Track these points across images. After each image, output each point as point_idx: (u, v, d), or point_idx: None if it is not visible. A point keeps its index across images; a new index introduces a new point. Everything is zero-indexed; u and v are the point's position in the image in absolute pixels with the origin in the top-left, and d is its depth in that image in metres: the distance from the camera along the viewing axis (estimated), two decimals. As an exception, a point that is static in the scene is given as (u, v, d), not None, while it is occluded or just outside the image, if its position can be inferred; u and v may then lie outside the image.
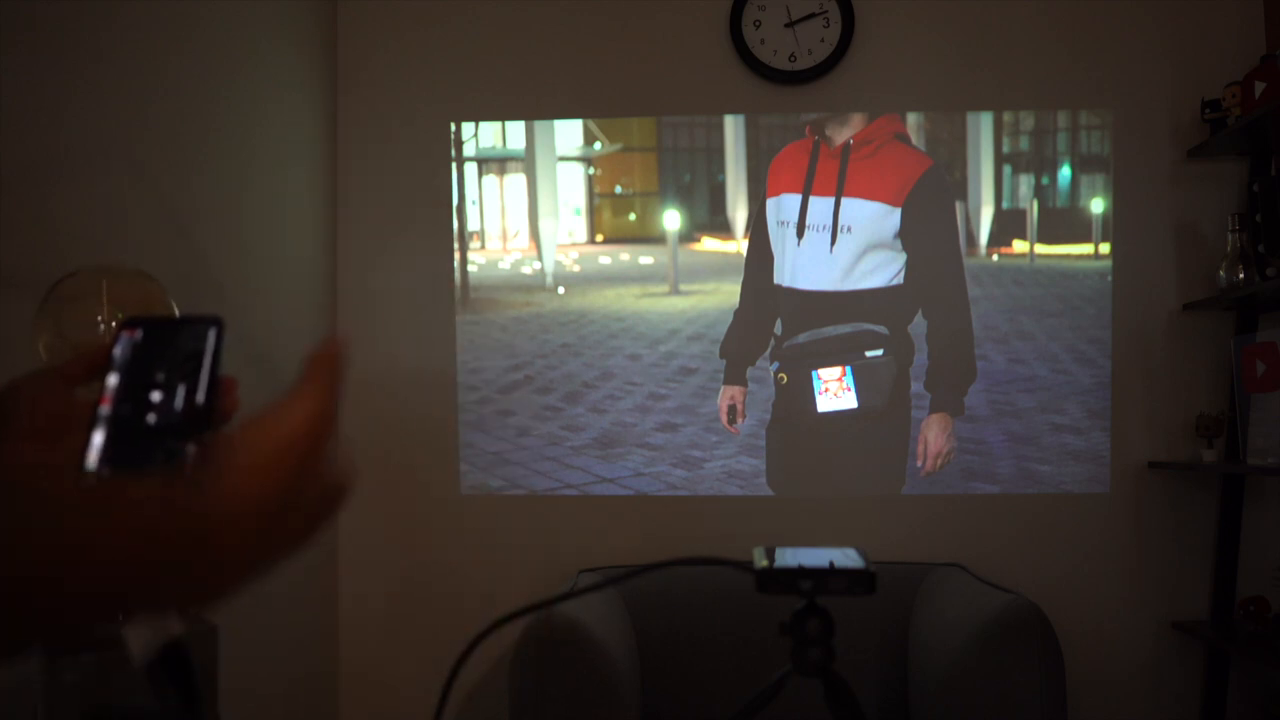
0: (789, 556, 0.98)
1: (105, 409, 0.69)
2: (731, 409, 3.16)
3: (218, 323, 0.71)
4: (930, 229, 3.13)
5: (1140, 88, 3.12)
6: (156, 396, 0.69)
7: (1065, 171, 3.19)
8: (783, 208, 3.16)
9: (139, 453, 0.67)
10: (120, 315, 1.46)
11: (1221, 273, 2.93)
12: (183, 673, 0.76)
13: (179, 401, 0.68)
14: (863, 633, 2.74)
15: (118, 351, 0.71)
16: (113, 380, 0.70)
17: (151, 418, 0.68)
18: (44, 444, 0.70)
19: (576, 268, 3.25)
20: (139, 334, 0.71)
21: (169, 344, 0.71)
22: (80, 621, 0.50)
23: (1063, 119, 3.20)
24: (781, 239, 3.15)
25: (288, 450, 0.54)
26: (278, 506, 0.53)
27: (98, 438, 0.68)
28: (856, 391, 3.11)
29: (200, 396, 0.68)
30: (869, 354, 3.11)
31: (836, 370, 3.12)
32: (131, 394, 0.69)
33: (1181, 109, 3.09)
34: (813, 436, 3.14)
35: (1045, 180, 3.20)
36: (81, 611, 0.49)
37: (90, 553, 0.48)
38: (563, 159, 3.27)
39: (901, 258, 3.11)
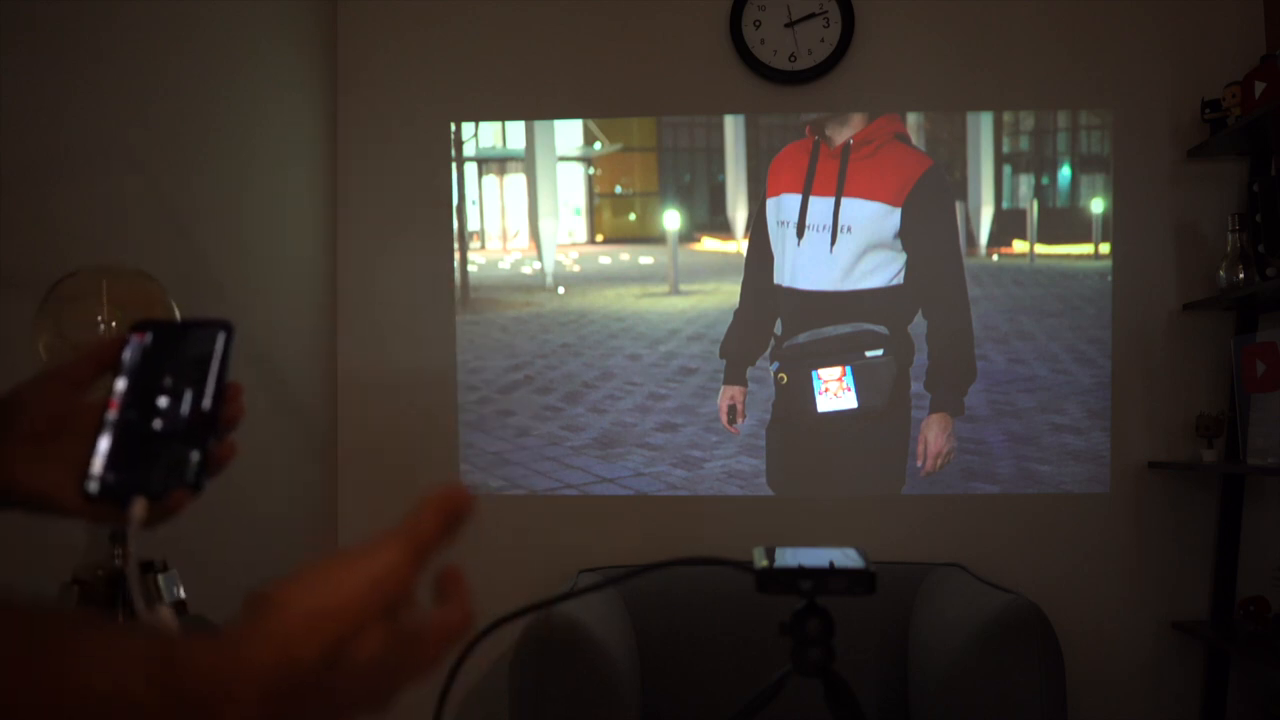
0: (789, 556, 0.98)
1: (112, 414, 0.68)
2: (731, 409, 3.16)
3: (227, 327, 0.70)
4: (930, 229, 3.13)
5: (1140, 88, 3.12)
6: (164, 402, 0.68)
7: (1065, 171, 3.19)
8: (783, 208, 3.16)
9: (144, 460, 0.67)
10: (120, 315, 1.46)
11: (1221, 273, 2.93)
12: None
13: (185, 408, 0.67)
14: (863, 633, 2.74)
15: (127, 355, 0.70)
16: (121, 385, 0.69)
17: (158, 424, 0.67)
18: (42, 446, 0.69)
19: (576, 268, 3.25)
20: (148, 338, 0.70)
21: (177, 348, 0.69)
22: None
23: (1063, 119, 3.20)
24: (781, 239, 3.15)
25: (336, 613, 0.48)
26: (311, 674, 0.47)
27: (103, 444, 0.67)
28: (856, 391, 3.11)
29: (207, 403, 0.67)
30: (869, 354, 3.11)
31: (836, 370, 3.12)
32: (139, 399, 0.68)
33: (1181, 109, 3.09)
34: (813, 436, 3.14)
35: (1045, 180, 3.20)
36: None
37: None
38: (563, 159, 3.27)
39: (901, 258, 3.11)
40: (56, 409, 0.70)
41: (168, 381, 0.68)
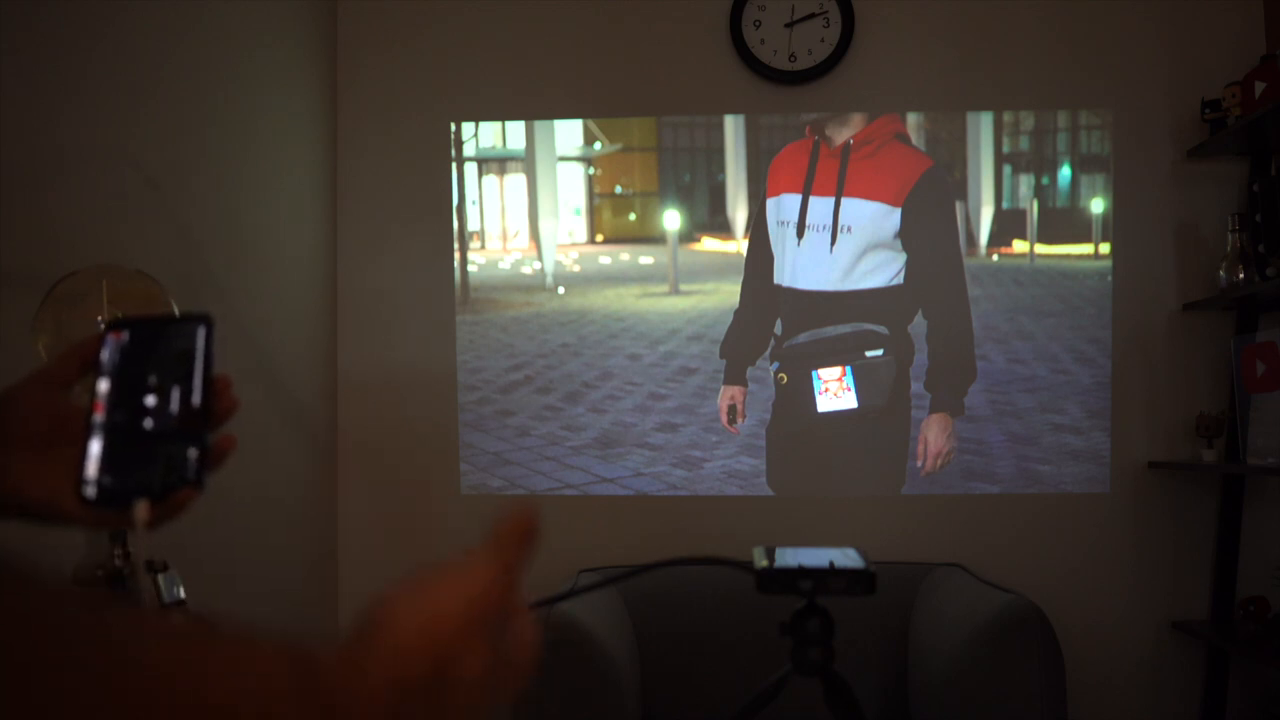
0: (789, 556, 0.98)
1: (99, 417, 0.67)
2: (731, 409, 3.16)
3: (206, 320, 0.69)
4: (930, 229, 3.13)
5: (1140, 88, 3.12)
6: (151, 400, 0.67)
7: (1065, 171, 3.19)
8: (783, 208, 3.16)
9: (138, 460, 0.66)
10: (120, 315, 1.46)
11: (1221, 273, 2.93)
12: None
13: (175, 405, 0.67)
14: (863, 633, 2.74)
15: (105, 356, 0.69)
16: (104, 386, 0.68)
17: (149, 423, 0.66)
18: (40, 451, 0.69)
19: (576, 268, 3.25)
20: (125, 337, 0.69)
21: (158, 345, 0.69)
22: None
23: (1063, 119, 3.20)
24: (781, 239, 3.15)
25: (443, 631, 0.50)
26: (421, 690, 0.48)
27: (94, 447, 0.66)
28: (856, 391, 3.11)
29: (196, 398, 0.67)
30: (869, 354, 3.11)
31: (836, 370, 3.12)
32: (124, 399, 0.67)
33: (1181, 109, 3.09)
34: (813, 436, 3.14)
35: (1045, 180, 3.20)
36: None
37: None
38: (563, 159, 3.27)
39: (901, 258, 3.11)
40: (50, 412, 0.70)
41: (152, 380, 0.68)
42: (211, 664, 0.44)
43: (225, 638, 0.46)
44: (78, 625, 0.41)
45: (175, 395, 0.67)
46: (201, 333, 0.68)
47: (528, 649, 0.54)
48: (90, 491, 0.65)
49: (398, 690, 0.48)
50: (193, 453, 0.66)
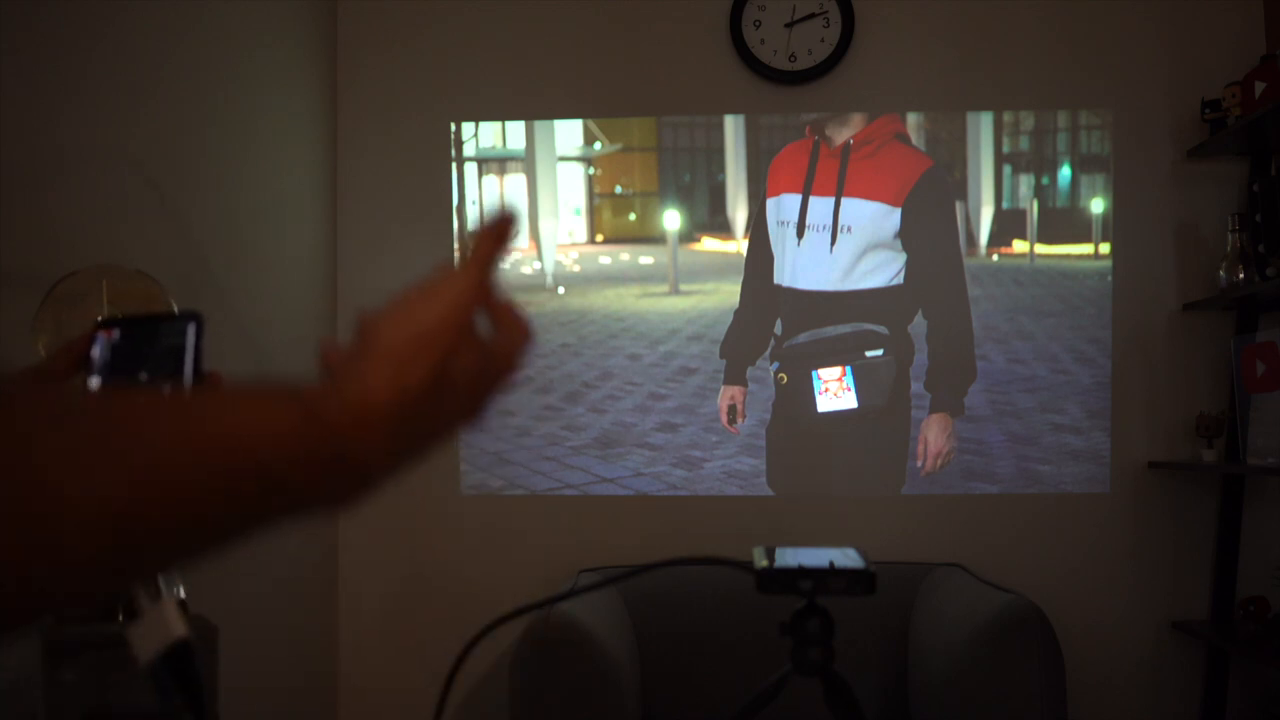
0: (789, 556, 0.98)
1: None
2: (731, 409, 3.16)
3: (196, 318, 0.70)
4: (930, 229, 3.13)
5: (1140, 88, 3.12)
6: None
7: (1065, 171, 3.19)
8: (783, 208, 3.16)
9: None
10: (118, 314, 1.46)
11: (1221, 273, 2.93)
12: (187, 675, 0.76)
13: None
14: (863, 633, 2.74)
15: (95, 353, 0.70)
16: (95, 382, 0.69)
17: None
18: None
19: (576, 268, 3.25)
20: (116, 334, 0.70)
21: (148, 342, 0.70)
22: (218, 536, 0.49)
23: (1063, 119, 3.20)
24: (781, 239, 3.15)
25: (431, 336, 0.54)
26: (422, 394, 0.53)
27: None
28: (856, 391, 3.11)
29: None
30: (869, 354, 3.11)
31: (836, 370, 3.12)
32: None
33: (1181, 109, 3.09)
34: (813, 436, 3.14)
35: (1045, 180, 3.20)
36: (217, 528, 0.49)
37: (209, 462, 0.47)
38: (563, 159, 3.27)
39: (901, 258, 3.11)
40: None
41: (143, 376, 0.69)
42: (224, 408, 0.48)
43: (232, 390, 0.50)
44: (100, 397, 0.48)
45: (166, 391, 0.67)
46: (191, 330, 0.69)
47: (517, 338, 0.58)
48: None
49: (400, 400, 0.52)
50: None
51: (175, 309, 1.51)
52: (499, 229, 0.59)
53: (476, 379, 0.55)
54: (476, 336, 0.56)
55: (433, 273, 0.56)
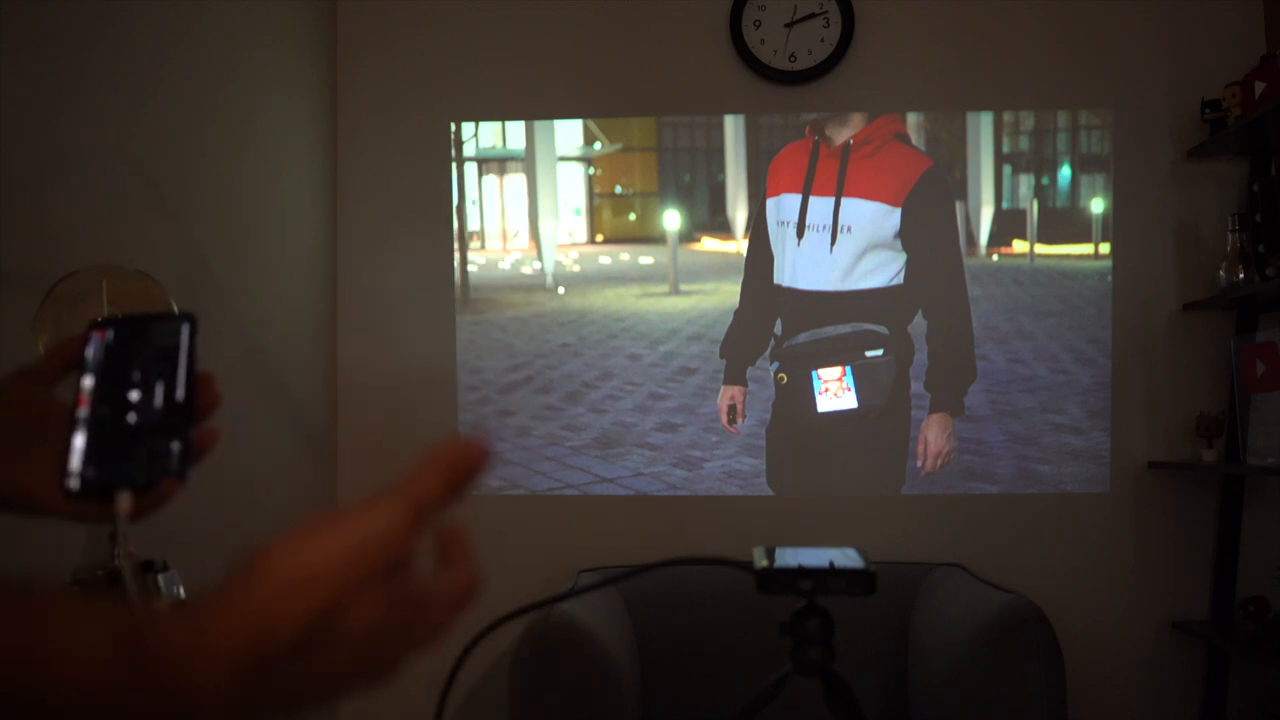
0: (789, 556, 0.98)
1: (83, 411, 0.68)
2: (731, 409, 3.16)
3: (190, 318, 0.70)
4: (930, 229, 3.13)
5: (1140, 88, 3.12)
6: (135, 396, 0.68)
7: (1065, 171, 3.19)
8: (783, 208, 3.16)
9: (122, 453, 0.67)
10: (118, 314, 1.46)
11: (1221, 273, 2.93)
12: None
13: (159, 400, 0.68)
14: (863, 633, 2.74)
15: (89, 353, 0.70)
16: (88, 382, 0.69)
17: (132, 417, 0.67)
18: (25, 445, 0.69)
19: (576, 268, 3.25)
20: (110, 334, 0.71)
21: (142, 342, 0.70)
22: None
23: (1063, 119, 3.20)
24: (781, 239, 3.15)
25: (324, 578, 0.44)
26: (293, 646, 0.44)
27: (79, 440, 0.67)
28: (856, 391, 3.11)
29: (180, 393, 0.68)
30: (869, 354, 3.11)
31: (836, 370, 3.12)
32: (109, 395, 0.68)
33: (1181, 109, 3.09)
34: (813, 436, 3.14)
35: (1045, 180, 3.20)
36: None
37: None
38: (563, 159, 3.27)
39: (901, 258, 3.11)
40: (33, 408, 0.71)
41: (136, 376, 0.69)
42: (39, 622, 0.41)
43: (61, 601, 0.43)
44: None
45: (159, 391, 0.68)
46: (186, 330, 0.69)
47: (459, 588, 0.49)
48: (74, 484, 0.66)
49: (257, 645, 0.43)
50: (176, 446, 0.67)
51: (175, 309, 1.51)
52: (464, 465, 0.49)
53: (385, 634, 0.46)
54: (395, 582, 0.46)
55: (365, 499, 0.47)
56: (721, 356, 3.17)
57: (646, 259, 3.24)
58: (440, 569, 0.49)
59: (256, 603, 0.43)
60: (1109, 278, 3.13)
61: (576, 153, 3.27)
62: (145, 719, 0.41)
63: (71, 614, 0.42)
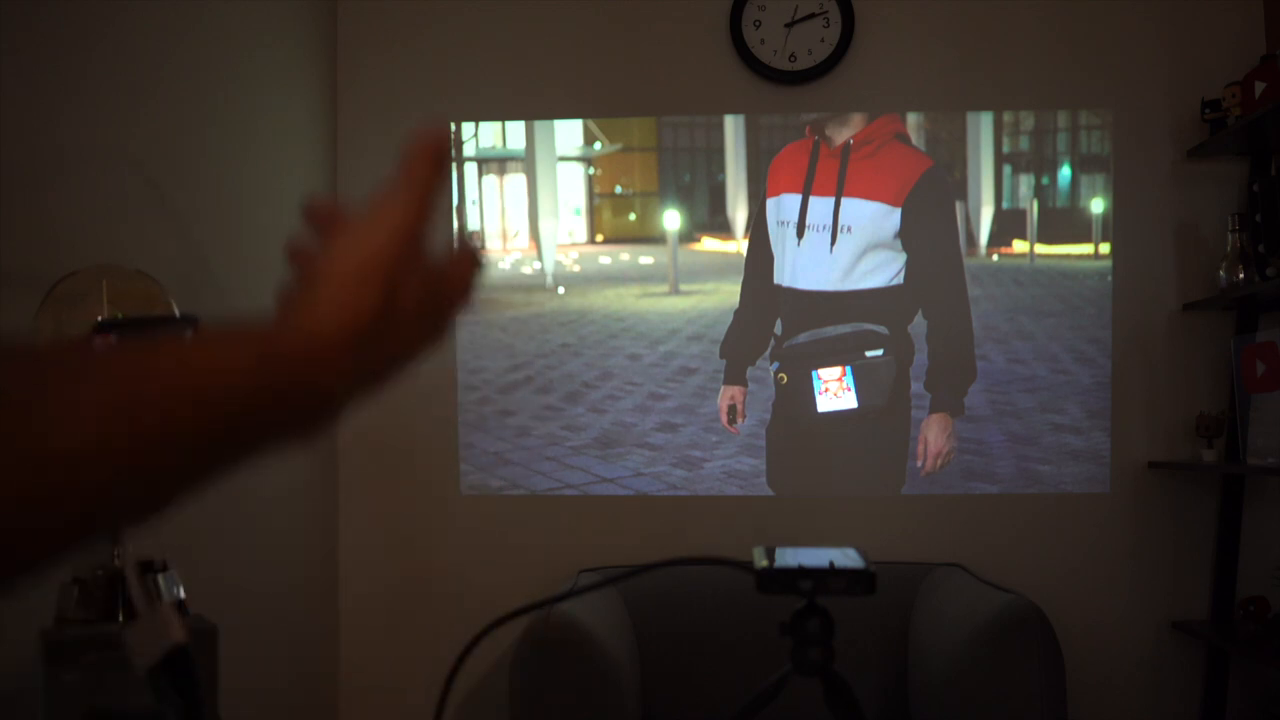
0: (789, 556, 0.98)
1: None
2: (731, 409, 3.16)
3: (193, 321, 0.70)
4: (930, 229, 3.13)
5: (1140, 88, 3.12)
6: None
7: (1065, 171, 3.19)
8: (783, 208, 3.16)
9: None
10: (119, 315, 1.46)
11: (1221, 273, 2.93)
12: (185, 680, 0.76)
13: None
14: (863, 633, 2.74)
15: None
16: None
17: None
18: None
19: (576, 268, 3.25)
20: (114, 338, 0.71)
21: None
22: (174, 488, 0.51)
23: (1063, 119, 3.20)
24: (781, 239, 3.15)
25: (375, 261, 0.55)
26: (374, 317, 0.54)
27: None
28: (856, 391, 3.11)
29: None
30: (869, 354, 3.11)
31: (836, 370, 3.12)
32: None
33: (1181, 109, 3.09)
34: (813, 436, 3.14)
35: (1045, 180, 3.20)
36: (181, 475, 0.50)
37: (181, 403, 0.49)
38: (563, 159, 3.27)
39: (901, 258, 3.11)
40: None
41: None
42: (187, 353, 0.51)
43: (194, 336, 0.52)
44: (81, 353, 0.50)
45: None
46: (189, 333, 0.69)
47: (467, 262, 0.59)
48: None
49: (353, 324, 0.53)
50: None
51: (175, 310, 1.51)
52: (430, 149, 0.59)
53: (427, 301, 0.57)
54: (423, 261, 0.57)
55: (369, 202, 0.58)
56: (721, 356, 3.17)
57: (646, 259, 3.24)
58: (449, 255, 0.60)
59: (337, 292, 0.54)
60: (1109, 278, 3.13)
61: (576, 153, 3.27)
62: (286, 405, 0.52)
63: (219, 338, 0.53)
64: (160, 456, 0.48)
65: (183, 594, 1.52)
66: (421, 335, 0.58)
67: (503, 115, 3.25)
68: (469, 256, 0.60)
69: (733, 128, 3.21)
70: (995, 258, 3.18)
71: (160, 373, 0.49)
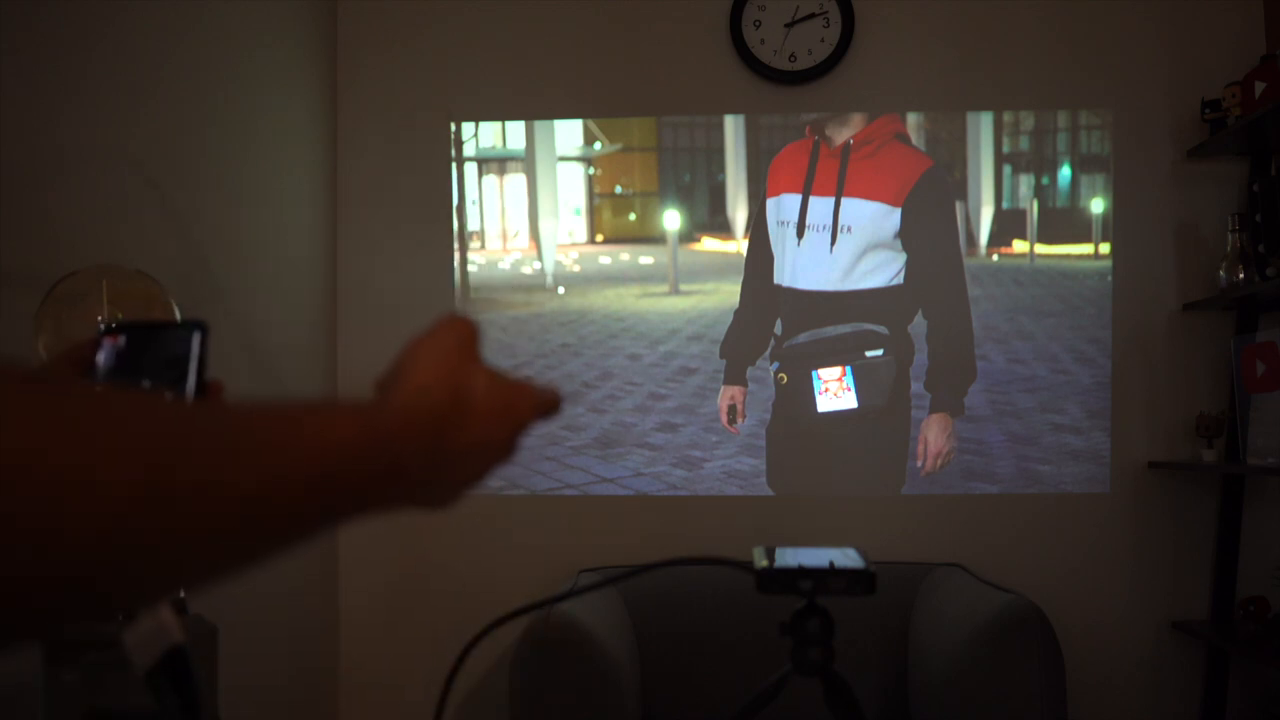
0: (789, 556, 0.98)
1: None
2: (731, 409, 3.16)
3: (201, 326, 0.70)
4: (930, 229, 3.13)
5: (1140, 88, 3.12)
6: None
7: (1065, 171, 3.19)
8: (783, 208, 3.16)
9: None
10: (120, 315, 1.46)
11: (1221, 273, 2.93)
12: (183, 680, 0.76)
13: None
14: (863, 633, 2.74)
15: (101, 359, 0.70)
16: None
17: None
18: None
19: (576, 268, 3.25)
20: (122, 340, 0.70)
21: (153, 349, 0.70)
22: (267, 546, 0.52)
23: (1063, 119, 3.20)
24: (781, 239, 3.15)
25: (448, 360, 0.61)
26: (444, 414, 0.59)
27: None
28: (856, 391, 3.11)
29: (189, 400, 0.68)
30: (869, 354, 3.11)
31: (836, 370, 3.12)
32: None
33: (1181, 109, 3.09)
34: (813, 436, 3.14)
35: (1045, 180, 3.20)
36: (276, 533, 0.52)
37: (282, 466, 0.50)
38: (563, 159, 3.27)
39: (901, 258, 3.11)
40: None
41: (146, 383, 0.69)
42: (298, 422, 0.52)
43: (299, 405, 0.54)
44: (227, 421, 0.50)
45: (169, 398, 0.68)
46: (196, 338, 0.69)
47: (530, 386, 0.65)
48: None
49: (431, 418, 0.59)
50: None
51: (178, 314, 1.51)
52: (545, 408, 0.66)
53: (495, 403, 0.62)
54: (483, 363, 0.63)
55: (429, 327, 0.63)
56: (721, 356, 3.17)
57: (646, 259, 3.24)
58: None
59: (418, 390, 0.59)
60: (1109, 278, 3.13)
61: (576, 153, 3.27)
62: (371, 481, 0.55)
63: (321, 410, 0.54)
64: (238, 532, 0.49)
65: (182, 593, 1.52)
66: (492, 446, 0.64)
67: (503, 115, 3.25)
68: (553, 399, 0.66)
69: (733, 128, 3.21)
70: (995, 258, 3.18)
71: (275, 441, 0.50)
